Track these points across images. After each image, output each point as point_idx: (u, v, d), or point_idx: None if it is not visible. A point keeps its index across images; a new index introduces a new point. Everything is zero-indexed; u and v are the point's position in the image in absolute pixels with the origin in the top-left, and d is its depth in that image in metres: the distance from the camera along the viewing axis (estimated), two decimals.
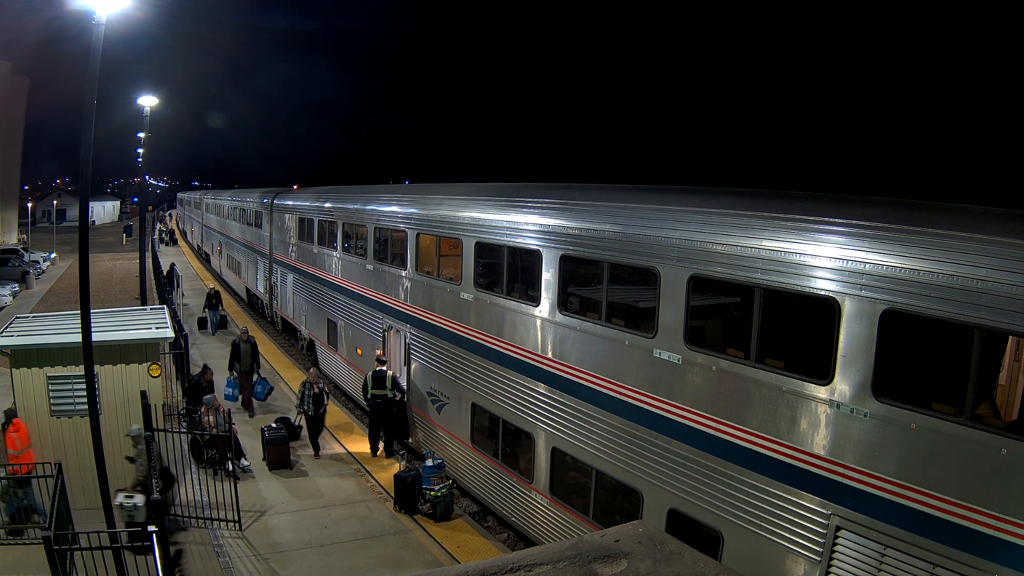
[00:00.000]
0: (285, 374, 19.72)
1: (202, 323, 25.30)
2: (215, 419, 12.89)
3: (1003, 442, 5.17)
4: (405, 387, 14.05)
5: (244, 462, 12.94)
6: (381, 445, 14.07)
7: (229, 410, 13.19)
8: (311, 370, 14.95)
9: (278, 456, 13.28)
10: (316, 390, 13.88)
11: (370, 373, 13.85)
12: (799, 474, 6.51)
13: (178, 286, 29.77)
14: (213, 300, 25.11)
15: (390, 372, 13.86)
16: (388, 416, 13.85)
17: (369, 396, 13.73)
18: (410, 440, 14.38)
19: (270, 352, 22.25)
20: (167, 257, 43.68)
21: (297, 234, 21.90)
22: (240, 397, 16.40)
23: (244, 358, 16.45)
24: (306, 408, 13.90)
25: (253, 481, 12.64)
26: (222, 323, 25.26)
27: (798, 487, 6.53)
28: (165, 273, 31.26)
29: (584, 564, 2.17)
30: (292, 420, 14.37)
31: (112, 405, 11.28)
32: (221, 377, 16.61)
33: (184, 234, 69.04)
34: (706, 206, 7.82)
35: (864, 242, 6.12)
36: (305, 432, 14.28)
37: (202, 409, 13.29)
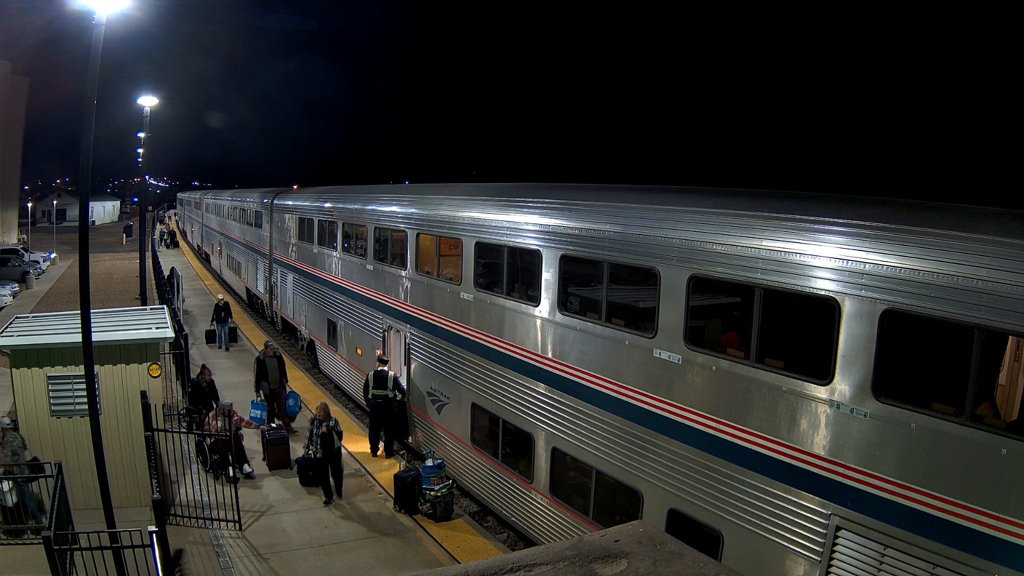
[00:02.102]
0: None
1: (210, 336, 23.17)
2: (222, 424, 12.83)
3: (1003, 442, 5.17)
4: (405, 387, 14.04)
5: (247, 468, 12.89)
6: (381, 445, 14.06)
7: (229, 410, 13.15)
8: (320, 404, 12.50)
9: (278, 456, 13.28)
10: (325, 428, 11.81)
11: (371, 373, 13.84)
12: (799, 474, 6.51)
13: (179, 291, 28.06)
14: (222, 312, 22.72)
15: (391, 372, 13.86)
16: (389, 416, 13.85)
17: (370, 396, 13.72)
18: (410, 440, 14.38)
19: None
20: (168, 260, 43.09)
21: (297, 234, 21.90)
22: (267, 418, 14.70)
23: (272, 374, 15.15)
24: (313, 451, 11.95)
25: (253, 481, 12.64)
26: (232, 336, 23.12)
27: (798, 487, 6.53)
28: (166, 277, 29.22)
29: (584, 564, 2.17)
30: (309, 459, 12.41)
31: (112, 405, 11.27)
32: (231, 381, 16.37)
33: (184, 234, 68.13)
34: (706, 206, 7.82)
35: (864, 242, 6.12)
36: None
37: (212, 413, 13.23)
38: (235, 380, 18.18)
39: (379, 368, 13.87)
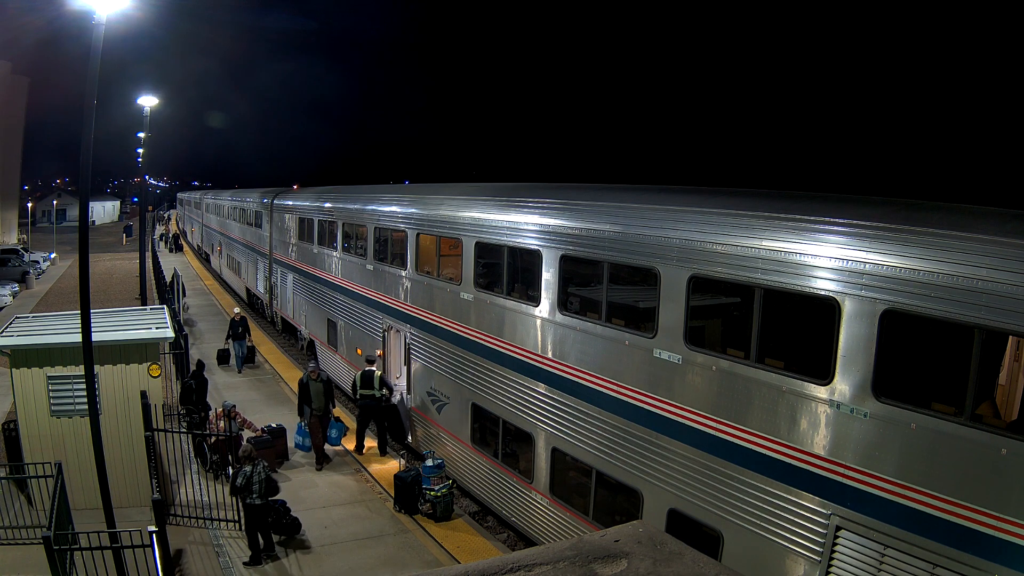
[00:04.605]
0: (285, 374, 19.73)
1: (223, 356, 20.45)
2: (225, 425, 12.82)
3: (1003, 442, 5.17)
4: (406, 387, 14.05)
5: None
6: (368, 442, 14.21)
7: (230, 411, 13.17)
8: (243, 447, 10.72)
9: (278, 453, 13.31)
10: (243, 472, 10.06)
11: (359, 373, 14.01)
12: (799, 474, 6.51)
13: (181, 299, 26.53)
14: (239, 329, 19.91)
15: (378, 372, 13.96)
16: (377, 415, 13.98)
17: (358, 396, 13.88)
18: (408, 440, 14.38)
19: (270, 352, 22.25)
20: (169, 262, 42.30)
21: (297, 234, 21.90)
22: (311, 446, 13.67)
23: (316, 399, 13.66)
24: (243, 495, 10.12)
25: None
26: (249, 356, 20.47)
27: (798, 487, 6.53)
28: (168, 282, 27.30)
29: (584, 564, 2.17)
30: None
31: (112, 405, 11.28)
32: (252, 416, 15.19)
33: (184, 234, 67.24)
34: (706, 206, 7.82)
35: (864, 242, 6.12)
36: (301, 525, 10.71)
37: (218, 411, 13.21)
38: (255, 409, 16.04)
39: (367, 368, 13.98)
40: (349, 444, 14.42)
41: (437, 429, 12.90)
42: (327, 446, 13.82)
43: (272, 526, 10.31)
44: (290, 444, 13.74)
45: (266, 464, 10.50)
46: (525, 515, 10.50)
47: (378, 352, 14.87)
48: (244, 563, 9.95)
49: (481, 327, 11.34)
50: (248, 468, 10.11)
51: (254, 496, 9.99)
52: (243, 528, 10.23)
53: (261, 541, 10.07)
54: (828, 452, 6.29)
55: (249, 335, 20.62)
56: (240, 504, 10.32)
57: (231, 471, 11.81)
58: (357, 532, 10.92)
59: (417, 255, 13.71)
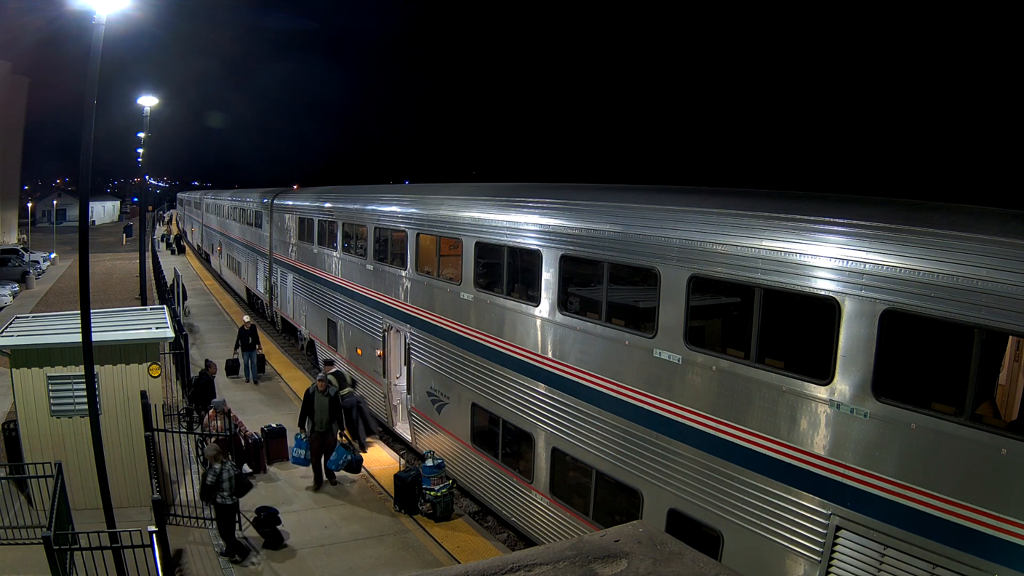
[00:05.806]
0: (285, 374, 19.74)
1: (232, 367, 19.46)
2: (223, 424, 12.83)
3: (1003, 442, 5.17)
4: (406, 387, 14.09)
5: (247, 468, 12.86)
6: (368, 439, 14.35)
7: (229, 411, 13.16)
8: (211, 444, 10.86)
9: (276, 451, 13.31)
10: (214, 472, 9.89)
11: (331, 374, 14.26)
12: (799, 474, 6.52)
13: (182, 302, 26.09)
14: (249, 339, 18.99)
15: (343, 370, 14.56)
16: (348, 412, 14.10)
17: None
18: (409, 438, 14.40)
19: (270, 352, 22.25)
20: (169, 263, 41.42)
21: (297, 234, 21.90)
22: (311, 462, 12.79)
23: (320, 414, 12.63)
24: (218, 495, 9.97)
25: (253, 481, 12.63)
26: (259, 365, 19.43)
27: (798, 487, 6.53)
28: (169, 285, 26.56)
29: (584, 564, 2.17)
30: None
31: (112, 405, 11.28)
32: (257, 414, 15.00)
33: (184, 235, 67.00)
34: (706, 206, 7.82)
35: (864, 242, 6.12)
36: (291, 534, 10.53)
37: (210, 412, 13.21)
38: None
39: (333, 369, 14.63)
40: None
41: (437, 429, 12.90)
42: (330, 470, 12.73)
43: (260, 532, 10.34)
44: (290, 444, 13.65)
45: (235, 463, 10.43)
46: (525, 515, 10.50)
47: (379, 354, 14.89)
48: (237, 562, 9.93)
49: (481, 327, 11.34)
50: (217, 466, 9.96)
51: (225, 495, 9.88)
52: (218, 529, 10.02)
53: (261, 535, 10.15)
54: (828, 452, 6.29)
55: (259, 344, 19.64)
56: (212, 505, 10.10)
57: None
58: (357, 532, 10.92)
59: (417, 255, 13.71)
